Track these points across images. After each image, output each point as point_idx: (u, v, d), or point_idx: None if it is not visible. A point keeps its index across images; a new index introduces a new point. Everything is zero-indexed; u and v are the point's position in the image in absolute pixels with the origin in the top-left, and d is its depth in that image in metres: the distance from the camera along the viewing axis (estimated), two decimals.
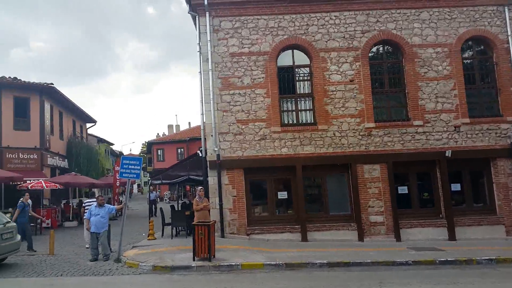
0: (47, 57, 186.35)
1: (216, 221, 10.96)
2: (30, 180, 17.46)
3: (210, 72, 12.66)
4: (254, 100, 12.69)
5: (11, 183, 17.45)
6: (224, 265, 8.75)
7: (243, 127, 12.59)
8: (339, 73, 12.76)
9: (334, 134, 12.55)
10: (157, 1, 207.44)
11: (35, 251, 11.34)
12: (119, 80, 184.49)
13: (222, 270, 8.61)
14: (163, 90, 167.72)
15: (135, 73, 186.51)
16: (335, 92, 12.68)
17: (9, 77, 20.15)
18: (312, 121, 12.81)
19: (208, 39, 12.76)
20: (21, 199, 12.51)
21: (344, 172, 12.76)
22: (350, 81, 12.70)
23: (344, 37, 12.90)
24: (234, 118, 12.63)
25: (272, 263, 8.86)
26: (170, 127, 56.45)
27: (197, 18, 13.13)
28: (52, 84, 20.72)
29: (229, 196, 12.29)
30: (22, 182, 17.18)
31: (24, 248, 11.15)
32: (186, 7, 13.28)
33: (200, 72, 12.95)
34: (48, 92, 21.10)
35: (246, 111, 12.65)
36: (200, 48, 12.92)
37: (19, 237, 10.28)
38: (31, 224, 14.41)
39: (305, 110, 13.00)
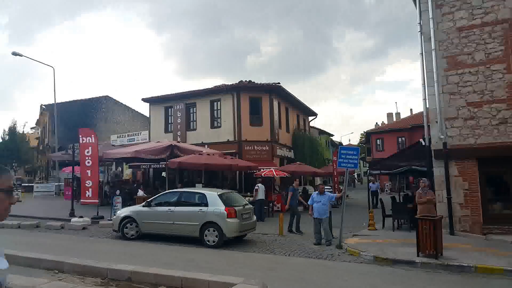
0: (275, 59, 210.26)
1: (443, 216, 9.88)
2: (263, 169, 20.02)
3: (433, 52, 11.50)
4: (490, 78, 10.80)
5: (248, 171, 20.50)
6: (453, 265, 7.78)
7: (476, 110, 10.89)
8: None
9: None
10: None
11: (302, 233, 12.15)
12: (337, 73, 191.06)
13: (451, 270, 7.68)
14: (380, 78, 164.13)
15: (353, 64, 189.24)
16: None
17: (245, 80, 23.84)
18: None
19: (430, 16, 11.60)
20: (293, 184, 13.77)
21: None
22: None
23: None
24: (463, 100, 11.07)
25: None
26: (389, 115, 54.51)
27: None
28: (279, 83, 23.26)
29: (459, 190, 10.87)
30: (257, 170, 19.87)
31: (262, 229, 12.67)
32: None
33: (422, 53, 11.95)
34: (275, 90, 23.70)
35: (479, 92, 10.90)
36: (421, 28, 11.93)
37: (255, 217, 11.80)
38: (264, 207, 16.51)
39: None
